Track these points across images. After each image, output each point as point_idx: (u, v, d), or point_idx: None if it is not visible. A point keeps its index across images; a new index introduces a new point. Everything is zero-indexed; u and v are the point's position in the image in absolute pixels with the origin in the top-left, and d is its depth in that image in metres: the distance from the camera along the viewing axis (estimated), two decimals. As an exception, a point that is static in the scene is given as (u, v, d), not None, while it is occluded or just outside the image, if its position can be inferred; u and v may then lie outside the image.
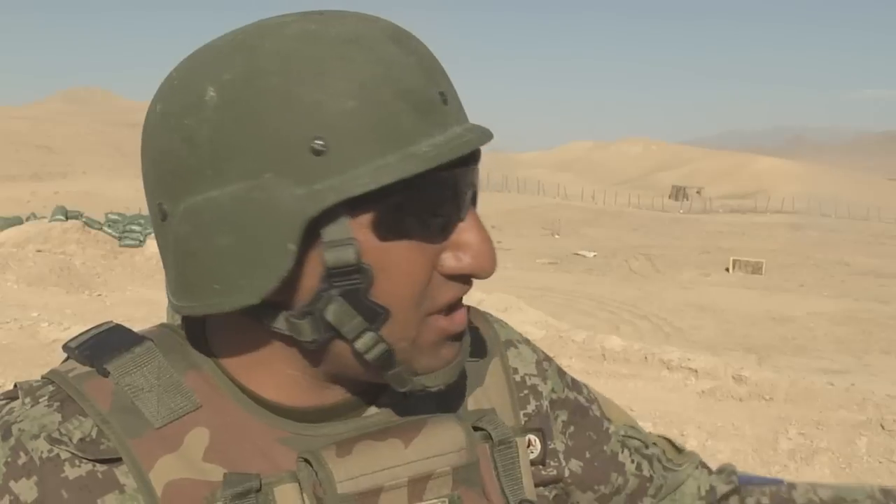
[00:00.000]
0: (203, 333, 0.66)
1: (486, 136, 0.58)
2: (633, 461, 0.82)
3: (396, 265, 0.56)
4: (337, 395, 0.64)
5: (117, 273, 14.45)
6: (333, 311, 0.56)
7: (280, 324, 0.58)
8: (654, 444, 0.86)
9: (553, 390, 0.80)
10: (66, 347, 0.64)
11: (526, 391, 0.77)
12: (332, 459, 0.58)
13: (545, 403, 0.78)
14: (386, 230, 0.56)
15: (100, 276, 14.30)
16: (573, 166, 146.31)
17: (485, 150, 0.65)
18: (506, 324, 0.82)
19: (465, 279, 0.60)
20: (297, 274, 0.56)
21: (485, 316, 0.80)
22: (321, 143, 0.53)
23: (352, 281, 0.56)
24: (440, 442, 0.62)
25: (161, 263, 0.63)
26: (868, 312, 18.56)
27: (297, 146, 0.53)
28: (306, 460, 0.59)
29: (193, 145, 0.56)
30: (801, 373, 9.27)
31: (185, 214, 0.57)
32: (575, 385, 0.83)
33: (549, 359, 0.82)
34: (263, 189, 0.54)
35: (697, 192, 78.83)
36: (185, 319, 0.67)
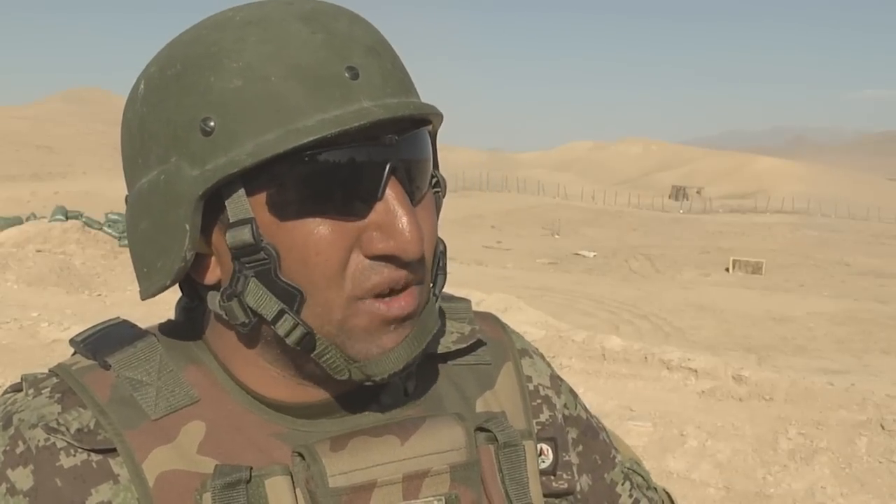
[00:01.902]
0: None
1: (400, 108, 0.55)
2: (631, 496, 0.80)
3: (303, 244, 0.55)
4: (327, 391, 0.63)
5: (117, 273, 14.43)
6: (251, 293, 0.56)
7: (215, 305, 0.60)
8: (656, 489, 0.84)
9: (566, 406, 0.79)
10: (72, 342, 0.65)
11: (539, 400, 0.76)
12: (326, 454, 0.58)
13: (559, 415, 0.77)
14: (284, 208, 0.55)
15: (100, 276, 14.28)
16: (573, 166, 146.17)
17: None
18: (521, 336, 0.81)
19: (393, 261, 0.57)
20: (215, 255, 0.59)
21: (501, 323, 0.79)
22: (211, 123, 0.54)
23: (259, 261, 0.56)
24: (438, 440, 0.61)
25: None
26: (868, 312, 18.53)
27: (189, 128, 0.55)
28: (300, 454, 0.59)
29: (130, 136, 0.59)
30: (801, 373, 9.26)
31: (128, 203, 0.61)
32: (587, 409, 0.82)
33: (561, 378, 0.81)
34: (169, 173, 0.56)
35: (697, 192, 78.81)
36: (190, 315, 0.68)
